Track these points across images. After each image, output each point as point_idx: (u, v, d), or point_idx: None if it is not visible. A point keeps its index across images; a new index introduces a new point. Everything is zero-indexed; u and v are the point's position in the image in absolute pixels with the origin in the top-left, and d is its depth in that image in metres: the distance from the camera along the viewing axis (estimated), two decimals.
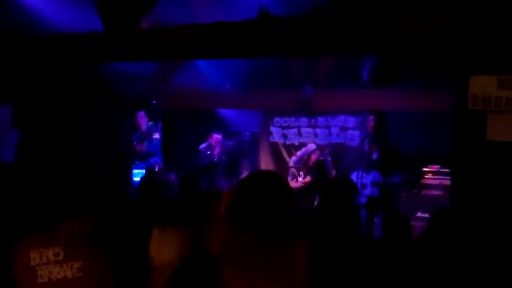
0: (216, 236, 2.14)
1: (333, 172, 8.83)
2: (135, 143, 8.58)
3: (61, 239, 2.52)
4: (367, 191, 7.29)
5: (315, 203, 8.05)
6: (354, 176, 7.33)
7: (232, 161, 9.23)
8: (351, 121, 9.31)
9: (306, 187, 8.47)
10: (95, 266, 2.49)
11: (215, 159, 8.94)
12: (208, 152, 8.97)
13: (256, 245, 2.03)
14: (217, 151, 8.97)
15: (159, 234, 2.55)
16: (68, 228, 2.57)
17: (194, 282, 2.06)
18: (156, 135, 8.56)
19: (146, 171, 8.16)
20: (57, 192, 2.79)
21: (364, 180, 7.23)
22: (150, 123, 8.66)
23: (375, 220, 7.21)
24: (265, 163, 10.05)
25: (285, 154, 9.98)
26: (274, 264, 2.03)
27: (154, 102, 9.11)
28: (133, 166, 8.47)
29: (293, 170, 9.42)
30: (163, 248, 2.50)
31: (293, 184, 8.63)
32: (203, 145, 9.17)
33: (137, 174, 8.18)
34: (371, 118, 7.59)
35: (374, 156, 7.36)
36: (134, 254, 2.66)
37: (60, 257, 2.46)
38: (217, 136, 9.04)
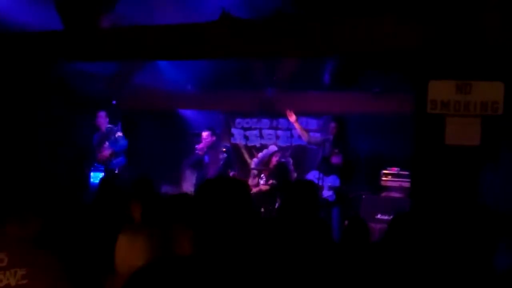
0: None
1: (294, 175, 8.85)
2: (95, 146, 8.38)
3: (5, 244, 2.41)
4: (324, 193, 7.30)
5: (276, 205, 8.05)
6: (312, 176, 7.36)
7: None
8: (313, 123, 9.34)
9: (268, 191, 8.44)
10: (41, 272, 2.38)
11: (200, 154, 8.63)
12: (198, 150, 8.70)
13: None
14: (201, 145, 8.70)
15: (129, 239, 2.44)
16: (12, 232, 2.45)
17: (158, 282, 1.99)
18: (119, 133, 8.34)
19: (105, 173, 8.00)
20: (1, 194, 2.66)
21: (322, 182, 7.25)
22: (109, 125, 8.45)
23: (332, 222, 7.23)
24: None
25: (246, 155, 9.96)
26: None
27: (114, 102, 8.96)
28: (92, 168, 8.29)
29: (255, 172, 9.41)
30: (134, 254, 2.39)
31: (254, 185, 8.62)
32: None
33: (95, 177, 8.03)
34: (332, 124, 7.60)
35: (334, 160, 7.36)
36: (87, 258, 2.57)
37: (4, 264, 2.35)
38: (204, 133, 8.79)
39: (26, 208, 2.50)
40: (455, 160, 4.27)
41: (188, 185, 9.65)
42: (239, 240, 1.94)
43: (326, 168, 7.36)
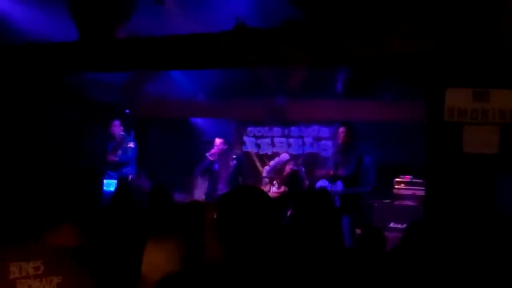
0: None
1: (307, 183, 8.83)
2: (108, 153, 8.44)
3: (42, 253, 2.44)
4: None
5: (288, 213, 8.03)
6: (321, 184, 7.28)
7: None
8: (324, 131, 9.35)
9: (280, 197, 8.44)
10: (76, 281, 2.41)
11: (211, 160, 8.63)
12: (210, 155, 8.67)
13: None
14: (212, 151, 8.69)
15: (152, 246, 2.46)
16: (50, 241, 2.50)
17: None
18: (131, 144, 8.41)
19: (118, 182, 8.04)
20: (37, 203, 2.71)
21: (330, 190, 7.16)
22: (122, 133, 8.52)
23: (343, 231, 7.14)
24: None
25: (258, 163, 9.98)
26: None
27: (127, 111, 9.01)
28: (105, 176, 8.34)
29: (266, 180, 9.41)
30: (162, 259, 2.40)
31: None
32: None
33: (108, 184, 8.07)
34: (342, 129, 7.44)
35: (339, 171, 7.16)
36: (119, 267, 2.60)
37: (40, 271, 2.38)
38: (218, 140, 8.80)
39: (64, 218, 2.55)
40: (472, 168, 4.25)
41: (200, 193, 9.64)
42: (268, 248, 1.96)
43: (332, 177, 7.24)
